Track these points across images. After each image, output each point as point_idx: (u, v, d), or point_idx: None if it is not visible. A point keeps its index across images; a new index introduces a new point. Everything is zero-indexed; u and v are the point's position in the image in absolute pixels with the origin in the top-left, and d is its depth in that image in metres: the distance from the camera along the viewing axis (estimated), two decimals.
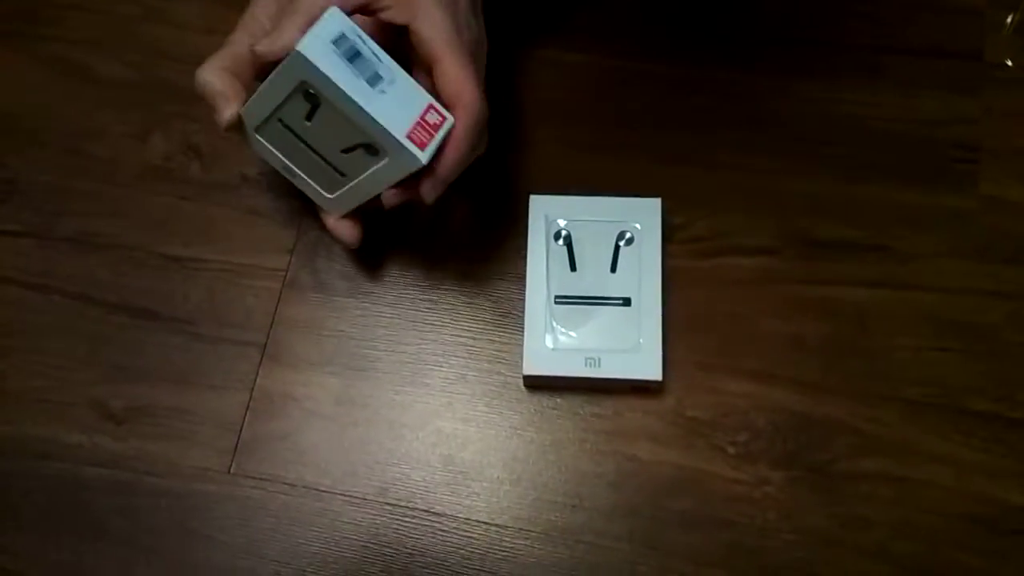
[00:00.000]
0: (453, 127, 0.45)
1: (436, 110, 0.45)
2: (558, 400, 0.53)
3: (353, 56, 0.43)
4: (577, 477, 0.52)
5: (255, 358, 0.55)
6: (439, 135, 0.45)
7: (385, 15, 0.46)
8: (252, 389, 0.54)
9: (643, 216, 0.54)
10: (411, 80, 0.45)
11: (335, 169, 0.49)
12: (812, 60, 0.60)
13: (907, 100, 0.59)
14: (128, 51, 0.62)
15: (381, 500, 0.52)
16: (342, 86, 0.43)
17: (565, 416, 0.53)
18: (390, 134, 0.44)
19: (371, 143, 0.46)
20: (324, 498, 0.52)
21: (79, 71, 0.61)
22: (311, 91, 0.45)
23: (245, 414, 0.53)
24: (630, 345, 0.51)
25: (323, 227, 0.55)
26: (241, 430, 0.53)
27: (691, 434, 0.53)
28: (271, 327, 0.55)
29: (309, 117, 0.47)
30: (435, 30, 0.45)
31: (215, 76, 0.47)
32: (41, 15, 0.63)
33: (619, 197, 0.54)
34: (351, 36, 0.44)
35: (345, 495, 0.52)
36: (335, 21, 0.43)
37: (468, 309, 0.56)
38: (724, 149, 0.58)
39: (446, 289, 0.56)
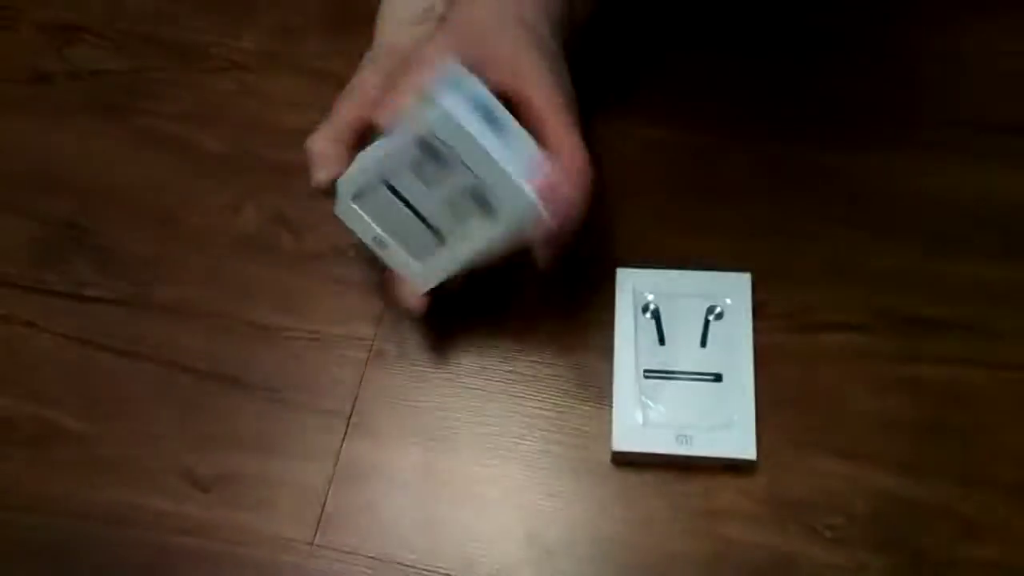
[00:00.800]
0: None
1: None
2: (645, 476, 0.52)
3: (478, 107, 0.44)
4: (667, 558, 0.51)
5: (340, 428, 0.55)
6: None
7: (492, 80, 0.47)
8: (336, 459, 0.54)
9: (733, 291, 0.53)
10: (527, 134, 0.46)
11: (436, 233, 0.50)
12: (898, 135, 0.60)
13: (998, 177, 0.58)
14: (222, 126, 0.64)
15: None
16: (474, 135, 0.43)
17: (653, 494, 0.52)
18: (517, 185, 0.44)
19: (488, 200, 0.46)
20: (408, 573, 0.51)
21: (175, 144, 0.64)
22: (433, 145, 0.45)
23: (329, 485, 0.53)
24: (722, 422, 0.51)
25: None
26: (325, 501, 0.53)
27: (785, 516, 0.51)
28: (356, 397, 0.55)
29: (420, 175, 0.47)
30: (543, 96, 0.46)
31: (321, 142, 0.48)
32: (138, 90, 0.66)
33: (707, 272, 0.54)
34: (474, 88, 0.44)
35: (429, 570, 0.51)
36: (458, 73, 0.44)
37: (553, 381, 0.55)
38: (811, 223, 0.58)
39: (530, 361, 0.56)
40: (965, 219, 0.57)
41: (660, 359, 0.52)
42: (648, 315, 0.53)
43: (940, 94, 0.61)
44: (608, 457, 0.53)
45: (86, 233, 0.61)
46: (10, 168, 0.64)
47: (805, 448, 0.52)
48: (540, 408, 0.55)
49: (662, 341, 0.53)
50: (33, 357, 0.58)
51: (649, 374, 0.52)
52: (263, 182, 0.62)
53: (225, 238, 0.60)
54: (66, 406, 0.56)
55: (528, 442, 0.54)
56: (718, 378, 0.52)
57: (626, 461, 0.52)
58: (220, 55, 0.67)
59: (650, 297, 0.54)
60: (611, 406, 0.52)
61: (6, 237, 0.61)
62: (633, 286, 0.54)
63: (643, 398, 0.51)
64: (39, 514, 0.53)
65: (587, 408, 0.54)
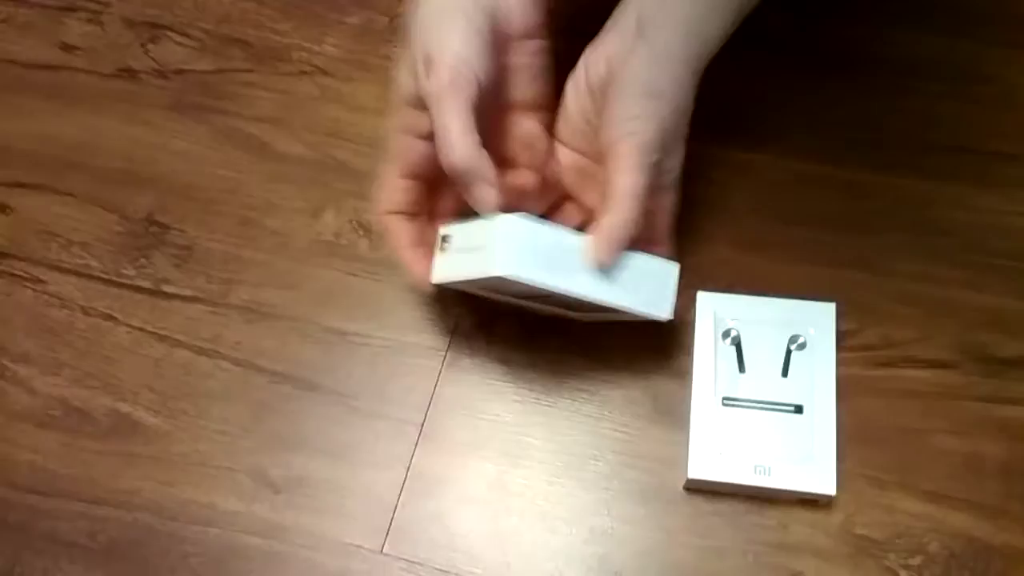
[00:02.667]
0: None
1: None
2: (718, 506, 0.52)
3: (540, 250, 0.45)
4: None
5: (412, 437, 0.55)
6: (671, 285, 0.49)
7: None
8: (408, 468, 0.54)
9: (817, 320, 0.52)
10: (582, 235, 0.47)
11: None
12: (989, 171, 0.59)
13: None
14: (304, 130, 0.64)
15: None
16: (548, 285, 0.45)
17: (727, 524, 0.51)
18: (636, 312, 0.48)
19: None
20: None
21: (257, 146, 0.64)
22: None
23: (400, 493, 0.53)
24: (802, 456, 0.50)
25: (484, 309, 0.56)
26: (395, 509, 0.53)
27: (861, 553, 0.50)
28: (429, 407, 0.55)
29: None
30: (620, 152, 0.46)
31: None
32: (222, 91, 0.67)
33: (791, 299, 0.53)
34: (534, 235, 0.45)
35: None
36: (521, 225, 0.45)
37: (627, 404, 0.55)
38: (898, 256, 0.57)
39: (605, 380, 0.55)
40: None
41: (740, 387, 0.52)
42: (728, 341, 0.53)
43: None
44: (681, 483, 0.52)
45: (167, 230, 0.62)
46: (93, 161, 0.65)
47: (883, 485, 0.51)
48: (613, 430, 0.54)
49: (742, 369, 0.52)
50: (111, 350, 0.58)
51: (728, 402, 0.51)
52: (342, 188, 0.62)
53: (303, 242, 0.61)
54: (142, 401, 0.57)
55: (600, 464, 0.53)
56: (799, 410, 0.51)
57: (700, 489, 0.52)
58: (302, 59, 0.67)
59: (731, 323, 0.53)
60: (686, 432, 0.52)
61: (88, 230, 0.62)
62: (714, 311, 0.53)
63: (721, 426, 0.51)
64: (110, 507, 0.54)
65: (661, 432, 0.54)
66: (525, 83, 0.50)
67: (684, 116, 0.47)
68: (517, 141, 0.51)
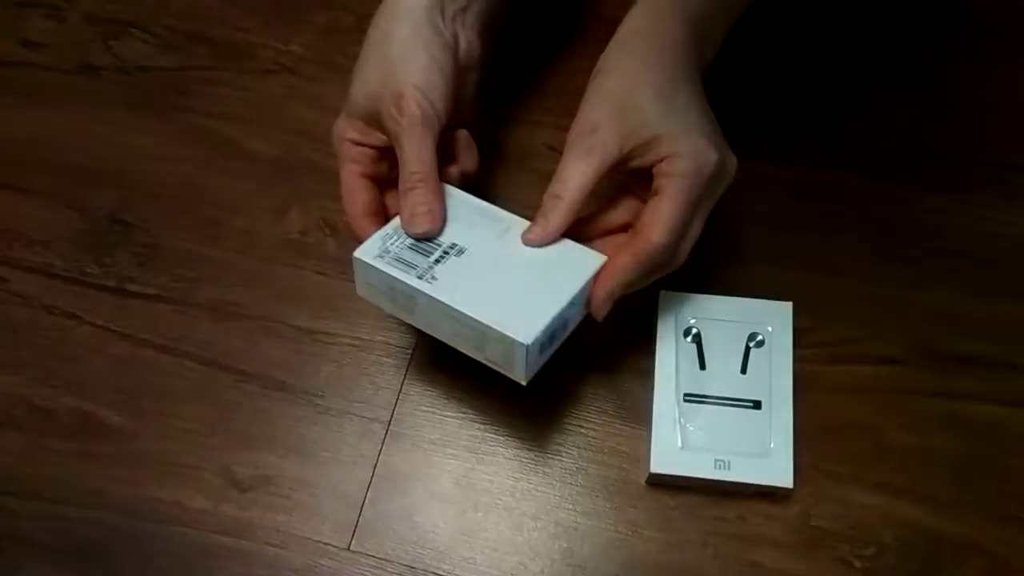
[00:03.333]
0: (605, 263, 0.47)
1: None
2: (680, 499, 0.53)
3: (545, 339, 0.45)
4: None
5: (379, 435, 0.55)
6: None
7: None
8: (375, 466, 0.54)
9: (774, 319, 0.54)
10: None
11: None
12: (943, 174, 0.60)
13: None
14: (270, 128, 0.64)
15: None
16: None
17: (687, 517, 0.53)
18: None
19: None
20: None
21: (223, 144, 0.64)
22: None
23: (367, 491, 0.54)
24: (760, 450, 0.51)
25: None
26: (362, 507, 0.53)
27: (816, 544, 0.52)
28: (396, 405, 0.56)
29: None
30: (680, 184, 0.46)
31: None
32: (186, 88, 0.67)
33: (749, 298, 0.55)
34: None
35: None
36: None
37: (591, 400, 0.56)
38: (853, 256, 0.58)
39: (569, 378, 0.56)
40: (1009, 261, 0.58)
41: (700, 384, 0.53)
42: (689, 339, 0.54)
43: (988, 136, 0.62)
44: (643, 478, 0.53)
45: (130, 228, 0.61)
46: (55, 159, 0.64)
47: (840, 478, 0.53)
48: (578, 426, 0.55)
49: (703, 366, 0.53)
50: (74, 349, 0.58)
51: (689, 398, 0.53)
52: (308, 187, 0.62)
53: (269, 240, 0.61)
54: (106, 400, 0.56)
55: (564, 459, 0.54)
56: (757, 405, 0.52)
57: (662, 483, 0.53)
58: (268, 57, 0.67)
59: (692, 321, 0.54)
60: (649, 428, 0.53)
61: (51, 228, 0.62)
62: (675, 310, 0.54)
63: (682, 422, 0.52)
64: (75, 507, 0.54)
65: (623, 428, 0.55)
66: (466, 107, 0.54)
67: None
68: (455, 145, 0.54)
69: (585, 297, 0.47)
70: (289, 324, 0.58)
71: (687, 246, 0.48)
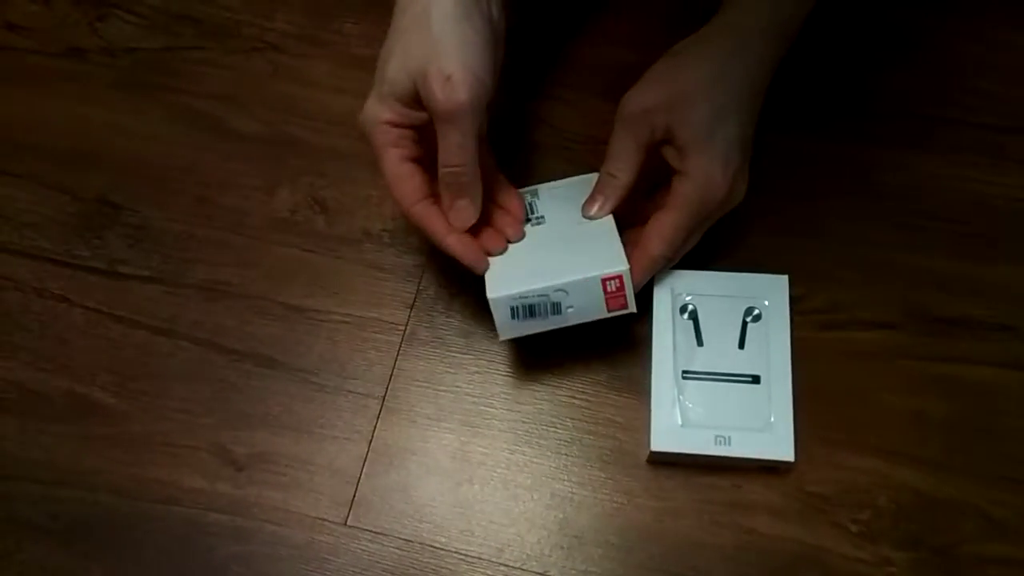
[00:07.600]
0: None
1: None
2: (674, 468, 0.53)
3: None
4: (693, 548, 0.51)
5: (374, 410, 0.55)
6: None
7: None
8: (370, 441, 0.55)
9: (770, 293, 0.54)
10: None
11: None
12: (935, 136, 0.60)
13: None
14: (258, 106, 0.64)
15: (496, 560, 0.52)
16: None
17: (682, 485, 0.53)
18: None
19: None
20: (439, 555, 0.52)
21: (211, 124, 0.64)
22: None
23: (363, 466, 0.54)
24: (760, 424, 0.51)
25: (442, 283, 0.57)
26: (359, 482, 0.54)
27: (812, 510, 0.52)
28: (390, 380, 0.56)
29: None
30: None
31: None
32: (176, 69, 0.66)
33: (744, 272, 0.54)
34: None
35: (460, 554, 0.52)
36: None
37: (585, 373, 0.56)
38: (844, 222, 0.58)
39: (564, 351, 0.56)
40: (1001, 222, 0.58)
41: (698, 360, 0.53)
42: (686, 316, 0.54)
43: (980, 99, 0.61)
44: (639, 446, 0.53)
45: (120, 210, 0.61)
46: (43, 142, 0.64)
47: (834, 444, 0.53)
48: (572, 398, 0.55)
49: (700, 342, 0.53)
50: (66, 332, 0.58)
51: (687, 375, 0.52)
52: (297, 164, 0.62)
53: (259, 220, 0.60)
54: (99, 382, 0.56)
55: (559, 431, 0.54)
56: (756, 380, 0.52)
57: (663, 460, 0.53)
58: (253, 35, 0.67)
59: (688, 298, 0.54)
60: (644, 398, 0.53)
61: (40, 211, 0.61)
62: (671, 287, 0.54)
63: (681, 399, 0.52)
64: (71, 488, 0.54)
65: (618, 399, 0.55)
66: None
67: None
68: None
69: (597, 296, 0.49)
70: (281, 302, 0.58)
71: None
